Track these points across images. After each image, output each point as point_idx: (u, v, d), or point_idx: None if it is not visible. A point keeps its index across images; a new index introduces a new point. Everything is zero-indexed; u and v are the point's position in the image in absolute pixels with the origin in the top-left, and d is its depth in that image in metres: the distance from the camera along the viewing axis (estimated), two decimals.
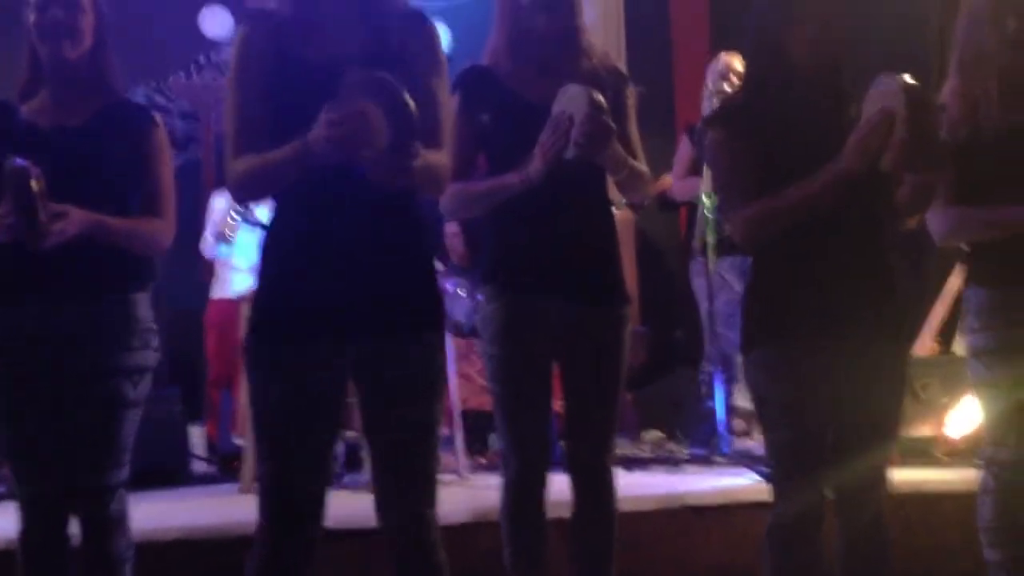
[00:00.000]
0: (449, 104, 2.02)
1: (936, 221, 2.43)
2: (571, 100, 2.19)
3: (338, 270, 1.87)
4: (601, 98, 2.17)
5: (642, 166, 2.41)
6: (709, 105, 4.26)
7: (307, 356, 1.87)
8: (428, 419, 1.92)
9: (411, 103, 1.71)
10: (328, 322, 1.87)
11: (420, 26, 1.97)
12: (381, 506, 1.94)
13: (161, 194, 2.39)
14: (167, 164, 2.43)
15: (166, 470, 4.01)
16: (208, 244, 4.71)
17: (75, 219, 2.18)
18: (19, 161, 2.10)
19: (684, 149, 4.67)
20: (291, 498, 1.89)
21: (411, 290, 1.93)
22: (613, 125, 2.19)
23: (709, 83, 4.34)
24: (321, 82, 1.76)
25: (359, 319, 1.88)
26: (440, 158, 1.92)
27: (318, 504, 1.91)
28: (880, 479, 2.10)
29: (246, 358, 1.94)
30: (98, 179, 2.31)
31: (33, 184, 2.10)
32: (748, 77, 2.27)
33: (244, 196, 2.01)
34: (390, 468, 1.93)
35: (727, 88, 4.15)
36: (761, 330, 2.10)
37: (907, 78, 1.91)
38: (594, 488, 2.43)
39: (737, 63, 4.26)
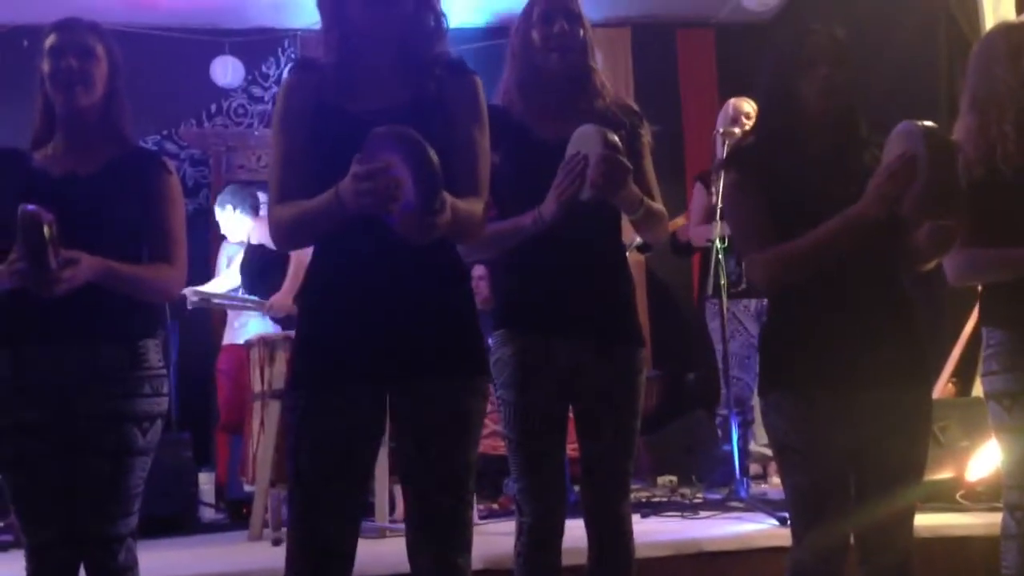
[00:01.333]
0: (487, 153, 2.01)
1: (950, 263, 2.41)
2: (585, 140, 2.18)
3: (376, 317, 1.88)
4: (616, 138, 2.16)
5: (658, 205, 2.40)
6: (721, 149, 4.27)
7: (345, 401, 1.87)
8: (461, 463, 1.91)
9: (435, 158, 1.71)
10: (366, 366, 1.87)
11: (461, 76, 1.99)
12: (413, 552, 1.92)
13: (172, 241, 2.39)
14: (179, 211, 2.42)
15: (175, 517, 3.99)
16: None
17: (85, 266, 2.18)
18: (31, 207, 2.10)
19: (699, 196, 4.67)
20: (323, 545, 1.87)
21: (450, 335, 1.93)
22: (629, 165, 2.17)
23: (720, 127, 4.35)
24: (358, 134, 1.77)
25: (396, 363, 1.88)
26: (476, 207, 1.93)
27: (348, 552, 1.90)
28: (905, 524, 2.06)
29: (284, 404, 1.94)
30: (110, 227, 2.31)
31: (45, 230, 2.10)
32: (760, 122, 2.27)
33: (285, 243, 2.01)
34: (424, 514, 1.91)
35: (737, 132, 4.16)
36: (778, 374, 2.08)
37: (928, 123, 1.91)
38: (611, 535, 2.38)
39: (747, 106, 4.29)
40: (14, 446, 2.26)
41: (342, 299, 1.90)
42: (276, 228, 1.94)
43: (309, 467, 1.88)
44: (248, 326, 4.60)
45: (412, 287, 1.89)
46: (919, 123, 1.92)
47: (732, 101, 4.41)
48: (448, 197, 1.76)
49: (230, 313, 4.81)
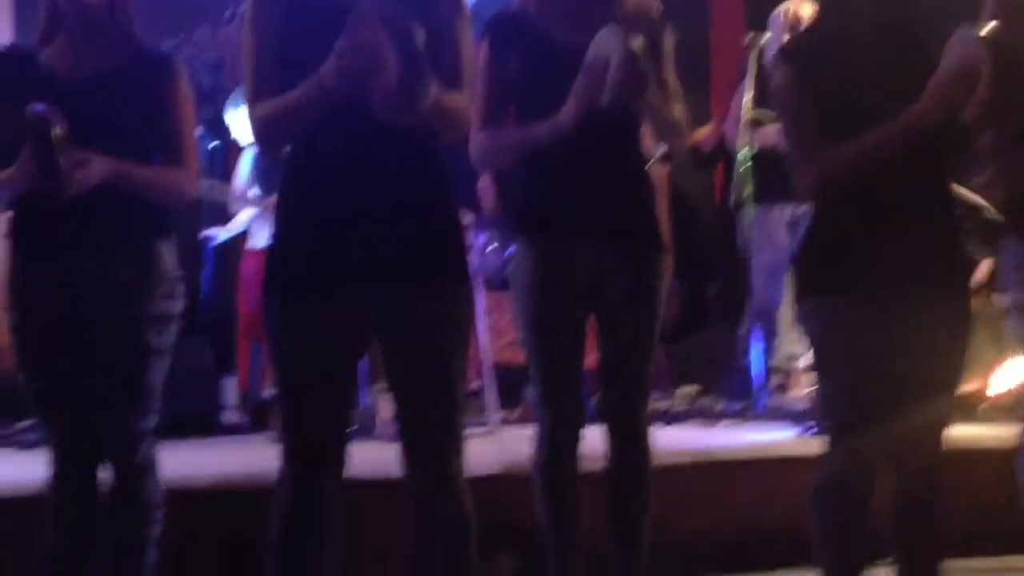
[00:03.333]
0: (471, 46, 1.97)
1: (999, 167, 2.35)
2: (607, 44, 2.12)
3: (356, 220, 1.84)
4: (638, 42, 2.10)
5: (680, 111, 2.35)
6: (751, 62, 4.14)
7: (324, 306, 1.85)
8: (450, 372, 1.89)
9: (419, 37, 1.68)
10: (345, 272, 1.85)
11: None
12: (405, 458, 1.92)
13: (183, 143, 2.37)
14: (189, 113, 2.40)
15: (197, 420, 4.06)
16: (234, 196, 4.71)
17: (97, 167, 2.16)
18: (39, 107, 2.07)
19: (737, 104, 4.54)
20: (310, 446, 1.88)
21: (432, 240, 1.90)
22: (650, 70, 2.12)
23: (775, 33, 4.18)
24: (335, 22, 1.72)
25: (377, 270, 1.85)
26: (460, 100, 1.88)
27: (337, 452, 1.91)
28: (936, 432, 2.06)
29: (264, 308, 1.92)
30: (119, 127, 2.29)
31: (53, 131, 2.07)
32: (818, 20, 2.20)
33: (267, 140, 1.97)
34: (412, 421, 1.91)
35: (762, 43, 4.04)
36: (818, 278, 2.05)
37: (992, 27, 1.85)
38: (629, 441, 2.39)
39: (805, 10, 4.09)
40: (34, 347, 2.29)
41: (319, 201, 1.87)
42: (257, 126, 1.90)
43: (291, 372, 1.89)
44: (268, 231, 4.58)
45: (393, 190, 1.86)
46: (983, 26, 1.86)
47: (787, 5, 4.21)
48: (432, 80, 1.72)
49: (251, 219, 4.79)
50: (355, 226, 1.85)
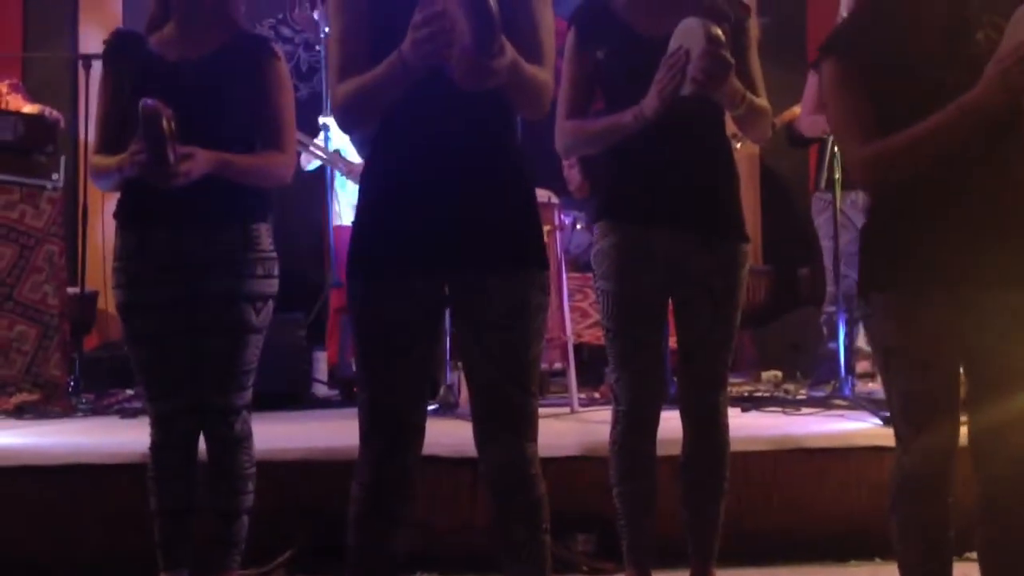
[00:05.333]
0: (551, 24, 1.96)
1: None
2: (688, 34, 2.11)
3: (434, 204, 1.87)
4: (719, 32, 2.08)
5: (762, 101, 2.33)
6: None
7: (402, 288, 1.88)
8: (524, 355, 1.90)
9: (493, 1, 1.66)
10: (422, 256, 1.87)
11: None
12: (479, 439, 1.95)
13: (282, 127, 2.43)
14: (289, 97, 2.46)
15: (290, 393, 4.17)
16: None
17: (201, 160, 2.25)
18: (151, 101, 2.16)
19: (812, 85, 4.50)
20: (387, 424, 1.92)
21: (508, 225, 1.91)
22: (731, 60, 2.10)
23: (843, 11, 4.13)
24: (415, 4, 1.73)
25: (453, 253, 1.87)
26: (541, 73, 1.88)
27: (415, 430, 1.94)
28: (1019, 433, 1.94)
29: (347, 287, 1.97)
30: (222, 111, 2.37)
31: (164, 124, 2.17)
32: (859, 6, 2.10)
33: (349, 120, 1.98)
34: (486, 403, 1.93)
35: None
36: (881, 274, 1.98)
37: None
38: (706, 427, 2.41)
39: None
40: (141, 322, 2.39)
41: (401, 188, 1.89)
42: (340, 106, 1.90)
43: (372, 353, 1.92)
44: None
45: (472, 178, 1.87)
46: None
47: None
48: (510, 48, 1.73)
49: (341, 193, 4.88)
50: (436, 208, 1.87)
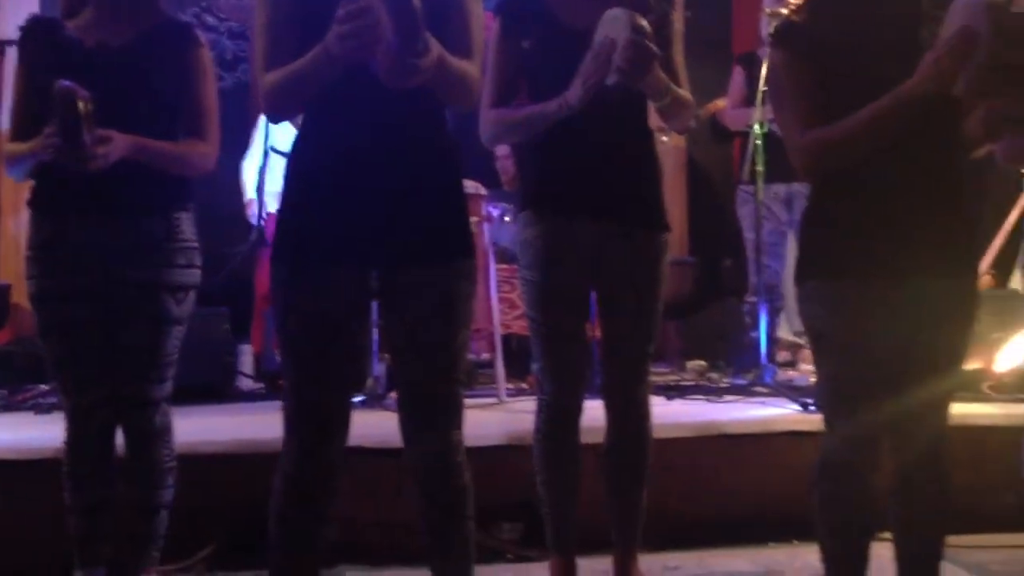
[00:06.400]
0: (480, 18, 1.96)
1: (1006, 142, 2.32)
2: (613, 25, 2.13)
3: (360, 193, 1.86)
4: (644, 22, 2.11)
5: (685, 93, 2.36)
6: (765, 30, 4.15)
7: (328, 279, 1.87)
8: (451, 345, 1.91)
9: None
10: (350, 246, 1.86)
11: None
12: (405, 429, 1.95)
13: (204, 116, 2.40)
14: (211, 85, 2.42)
15: (213, 386, 4.11)
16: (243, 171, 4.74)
17: (119, 144, 2.20)
18: (67, 83, 2.11)
19: (738, 78, 4.59)
20: (313, 415, 1.90)
21: (435, 216, 1.91)
22: (656, 50, 2.13)
23: (767, 6, 4.21)
24: None
25: (381, 243, 1.87)
26: (468, 67, 1.89)
27: (340, 422, 1.93)
28: (940, 414, 2.03)
29: (271, 276, 1.94)
30: (142, 98, 2.33)
31: (80, 106, 2.12)
32: None
33: (275, 110, 1.96)
34: (412, 392, 1.94)
35: (785, 12, 4.03)
36: (819, 260, 2.02)
37: None
38: (628, 417, 2.44)
39: None
40: (56, 312, 2.33)
41: (327, 177, 1.88)
42: (266, 95, 1.88)
43: (297, 343, 1.90)
44: None
45: (399, 168, 1.87)
46: None
47: None
48: (436, 45, 1.73)
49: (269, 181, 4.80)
50: (361, 198, 1.86)
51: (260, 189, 4.45)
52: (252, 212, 4.55)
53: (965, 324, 2.02)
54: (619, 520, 2.48)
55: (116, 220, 2.32)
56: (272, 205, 4.46)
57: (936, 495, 2.04)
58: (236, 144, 4.78)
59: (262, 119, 4.77)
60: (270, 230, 4.65)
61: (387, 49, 1.68)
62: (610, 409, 2.44)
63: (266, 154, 4.34)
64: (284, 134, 4.36)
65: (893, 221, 1.94)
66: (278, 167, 4.38)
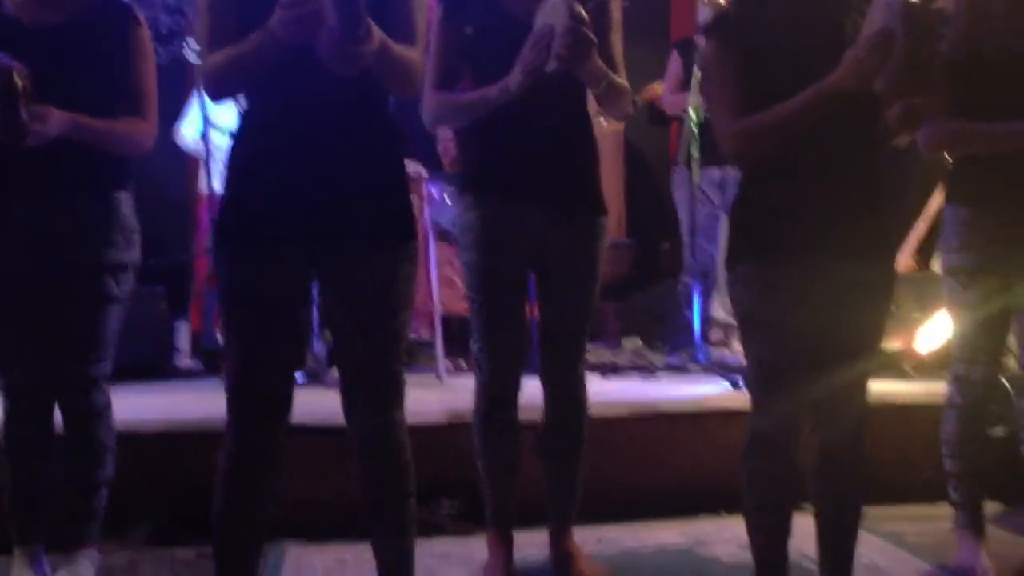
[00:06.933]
0: (423, 5, 1.99)
1: (926, 131, 2.41)
2: (552, 12, 2.17)
3: (303, 174, 1.87)
4: (581, 10, 2.15)
5: (622, 80, 2.41)
6: (703, 17, 4.21)
7: (270, 258, 1.88)
8: (391, 326, 1.94)
9: None
10: (293, 227, 1.88)
11: None
12: (347, 408, 1.98)
13: (143, 95, 2.39)
14: (150, 64, 2.41)
15: (150, 364, 4.09)
16: (180, 135, 4.69)
17: (55, 120, 2.19)
18: (2, 58, 2.09)
19: (675, 64, 4.66)
20: (255, 393, 1.92)
21: (377, 197, 1.93)
22: (593, 38, 2.17)
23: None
24: None
25: (325, 225, 1.89)
26: (411, 54, 1.91)
27: (282, 401, 1.95)
28: (859, 394, 2.12)
29: (214, 257, 1.95)
30: (80, 77, 2.31)
31: (17, 82, 2.10)
32: None
33: (218, 90, 1.96)
34: (354, 372, 1.96)
35: (720, 0, 4.10)
36: (746, 245, 2.09)
37: None
38: (564, 397, 2.50)
39: None
40: None
41: (270, 158, 1.89)
42: (211, 75, 1.89)
43: (240, 322, 1.92)
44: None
45: (342, 149, 1.89)
46: None
47: None
48: (378, 31, 1.75)
49: (201, 161, 4.76)
50: (303, 181, 1.87)
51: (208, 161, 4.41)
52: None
53: (883, 306, 2.11)
54: (555, 496, 2.55)
55: (54, 199, 2.30)
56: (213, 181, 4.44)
57: (855, 470, 2.13)
58: (173, 119, 4.74)
59: (198, 90, 4.72)
60: (202, 208, 4.65)
61: (329, 35, 1.70)
62: (547, 389, 2.50)
63: (205, 127, 4.30)
64: (222, 108, 4.35)
65: (814, 208, 2.01)
66: (216, 141, 4.38)
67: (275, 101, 1.90)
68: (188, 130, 4.73)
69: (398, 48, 1.86)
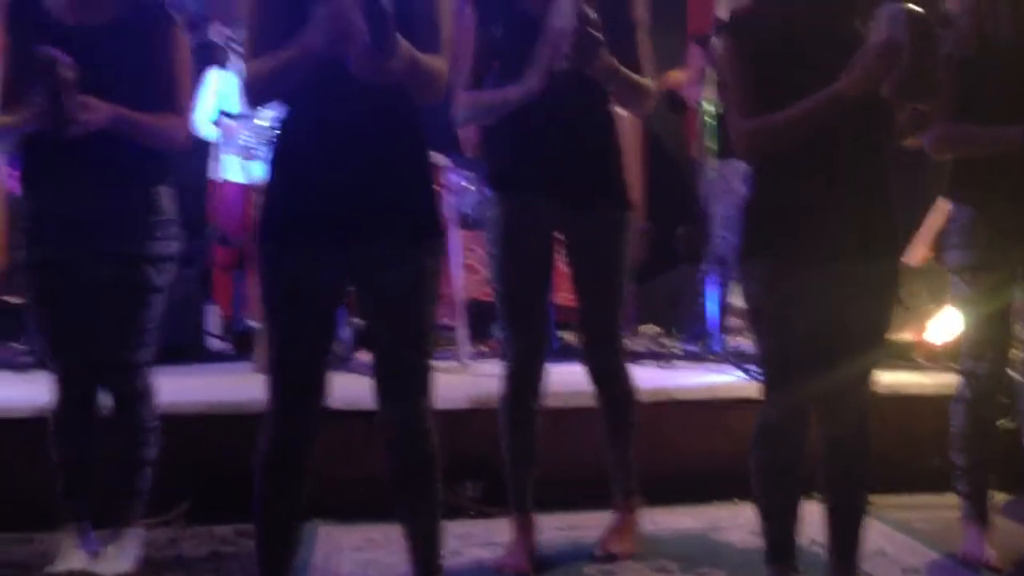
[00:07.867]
0: (448, 14, 2.07)
1: (930, 135, 2.47)
2: (564, 13, 2.24)
3: (338, 179, 1.98)
4: (589, 10, 2.21)
5: (643, 79, 2.46)
6: (720, 9, 4.26)
7: (307, 257, 1.99)
8: (421, 320, 2.05)
9: (386, 1, 1.80)
10: (331, 225, 1.99)
11: None
12: (378, 396, 2.09)
13: (179, 92, 2.48)
14: (186, 63, 2.51)
15: (183, 347, 4.18)
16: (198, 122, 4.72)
17: (101, 111, 2.28)
18: (48, 49, 2.19)
19: (696, 59, 4.67)
20: (293, 380, 2.04)
21: (408, 199, 2.04)
22: (600, 37, 2.23)
23: None
24: None
25: (359, 223, 1.99)
26: (437, 63, 2.00)
27: (319, 386, 2.07)
28: (864, 387, 2.18)
29: (258, 252, 2.07)
30: (118, 77, 2.39)
31: (63, 72, 2.19)
32: None
33: (255, 97, 2.09)
34: (386, 364, 2.07)
35: None
36: (756, 242, 2.15)
37: (913, 7, 1.92)
38: (608, 386, 2.64)
39: None
40: (42, 281, 2.42)
41: (310, 161, 2.00)
42: (251, 82, 2.00)
43: (280, 315, 2.03)
44: (243, 165, 4.57)
45: (375, 157, 1.99)
46: (905, 7, 1.92)
47: None
48: (405, 44, 1.86)
49: (213, 148, 4.78)
50: (341, 181, 1.98)
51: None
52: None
53: (887, 302, 2.18)
54: (613, 474, 2.68)
55: (98, 192, 2.39)
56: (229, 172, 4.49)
57: (859, 459, 2.20)
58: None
59: (211, 72, 4.76)
60: (220, 195, 4.68)
61: (361, 49, 1.81)
62: (593, 380, 2.64)
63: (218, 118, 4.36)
64: (233, 96, 4.39)
65: (823, 206, 2.08)
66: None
67: (312, 109, 2.00)
68: (200, 114, 4.74)
69: (425, 58, 1.96)
